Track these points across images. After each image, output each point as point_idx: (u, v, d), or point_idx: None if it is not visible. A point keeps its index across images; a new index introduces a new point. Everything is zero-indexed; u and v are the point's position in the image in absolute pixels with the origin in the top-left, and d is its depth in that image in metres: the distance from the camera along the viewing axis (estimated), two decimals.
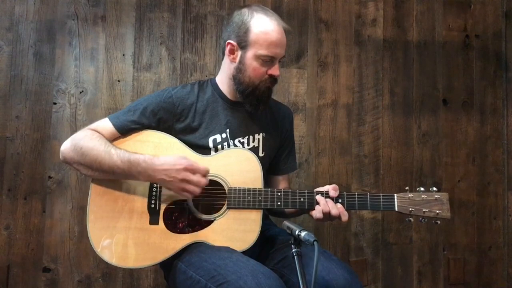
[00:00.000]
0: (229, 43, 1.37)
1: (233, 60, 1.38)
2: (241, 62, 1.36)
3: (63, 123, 1.97)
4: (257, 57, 1.33)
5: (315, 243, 0.98)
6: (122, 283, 1.96)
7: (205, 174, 1.25)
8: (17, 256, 1.90)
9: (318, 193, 1.31)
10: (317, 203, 1.29)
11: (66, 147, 1.30)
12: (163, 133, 1.36)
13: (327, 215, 1.28)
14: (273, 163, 1.54)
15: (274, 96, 1.55)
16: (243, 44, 1.34)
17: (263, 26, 1.32)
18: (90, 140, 1.28)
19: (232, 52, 1.37)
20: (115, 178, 1.28)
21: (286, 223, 1.12)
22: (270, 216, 1.60)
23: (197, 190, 1.24)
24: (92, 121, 1.56)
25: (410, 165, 2.24)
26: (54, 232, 1.93)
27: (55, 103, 1.97)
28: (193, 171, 1.23)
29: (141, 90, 2.03)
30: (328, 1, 2.22)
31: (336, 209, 1.27)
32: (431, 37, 2.30)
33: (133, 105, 1.38)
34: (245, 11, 1.36)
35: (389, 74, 2.25)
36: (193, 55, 2.08)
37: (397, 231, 2.21)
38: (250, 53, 1.33)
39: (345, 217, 1.27)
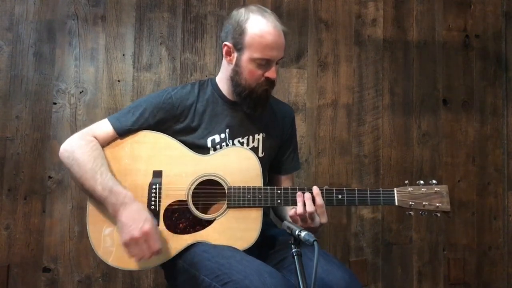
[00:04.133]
0: (225, 44, 1.35)
1: (230, 62, 1.36)
2: (237, 64, 1.33)
3: (63, 123, 1.97)
4: (253, 60, 1.30)
5: (315, 243, 0.98)
6: (122, 283, 1.96)
7: (152, 253, 1.18)
8: (17, 256, 1.90)
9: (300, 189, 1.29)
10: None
11: (64, 149, 1.29)
12: (159, 133, 1.35)
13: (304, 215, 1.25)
14: (276, 163, 1.53)
15: (274, 96, 1.55)
16: (238, 46, 1.32)
17: (258, 28, 1.29)
18: (83, 153, 1.25)
19: (228, 53, 1.36)
20: (92, 198, 1.26)
21: (286, 223, 1.11)
22: (270, 216, 1.60)
23: (136, 258, 1.18)
24: (92, 121, 1.55)
25: (410, 165, 2.23)
26: (54, 232, 1.93)
27: (55, 103, 1.97)
28: (147, 241, 1.16)
29: (141, 90, 2.03)
30: (328, 1, 2.21)
31: (312, 206, 1.24)
32: (431, 37, 2.30)
33: (132, 106, 1.37)
34: (241, 12, 1.34)
35: (389, 74, 2.25)
36: (193, 55, 2.08)
37: (397, 231, 2.20)
38: (245, 56, 1.31)
39: (324, 219, 1.26)
